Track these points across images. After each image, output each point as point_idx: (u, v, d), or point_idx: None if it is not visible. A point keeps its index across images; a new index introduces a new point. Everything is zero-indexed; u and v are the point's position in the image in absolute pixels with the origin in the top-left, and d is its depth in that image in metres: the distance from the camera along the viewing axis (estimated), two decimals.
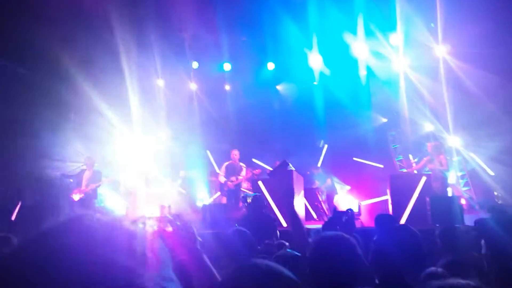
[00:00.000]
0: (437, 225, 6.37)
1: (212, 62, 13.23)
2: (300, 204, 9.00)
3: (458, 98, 10.51)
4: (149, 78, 12.75)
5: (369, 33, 11.61)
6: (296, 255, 2.36)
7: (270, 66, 13.25)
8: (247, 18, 11.75)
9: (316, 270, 1.96)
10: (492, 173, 10.42)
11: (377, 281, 2.43)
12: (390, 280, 2.38)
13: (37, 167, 10.12)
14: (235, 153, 10.37)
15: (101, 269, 0.56)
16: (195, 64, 13.41)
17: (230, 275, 1.07)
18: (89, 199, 9.29)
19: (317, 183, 11.18)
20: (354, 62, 12.19)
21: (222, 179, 10.24)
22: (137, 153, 12.55)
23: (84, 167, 9.58)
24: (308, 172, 11.38)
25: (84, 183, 9.35)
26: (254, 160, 12.48)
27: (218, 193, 11.54)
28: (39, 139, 10.22)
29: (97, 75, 10.77)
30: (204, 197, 11.60)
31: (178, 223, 2.15)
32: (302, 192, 9.41)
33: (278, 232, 5.53)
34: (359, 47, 11.90)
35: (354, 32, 11.61)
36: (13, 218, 8.43)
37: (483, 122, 10.06)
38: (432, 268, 2.83)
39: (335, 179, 11.41)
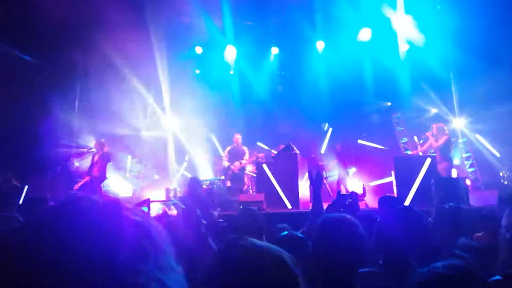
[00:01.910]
0: (445, 206, 6.38)
1: (216, 46, 13.12)
2: (304, 186, 9.05)
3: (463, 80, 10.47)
4: (153, 63, 12.68)
5: (373, 16, 11.51)
6: (299, 236, 2.38)
7: (274, 50, 13.20)
8: (252, 2, 11.62)
9: (320, 251, 1.98)
10: (498, 155, 10.38)
11: (381, 262, 2.45)
12: (393, 260, 2.39)
13: (43, 152, 10.19)
14: (238, 137, 10.44)
15: (92, 266, 0.55)
16: (198, 49, 13.34)
17: (216, 256, 1.05)
18: (96, 182, 9.33)
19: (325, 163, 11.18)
20: (359, 46, 12.10)
21: (226, 163, 10.31)
22: (144, 137, 12.64)
23: (94, 150, 9.67)
24: (313, 155, 11.38)
25: (92, 166, 9.44)
26: (258, 143, 12.47)
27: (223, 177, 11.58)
28: (45, 125, 10.30)
29: (101, 61, 10.76)
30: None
31: (183, 206, 2.17)
32: (307, 175, 9.44)
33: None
34: (364, 31, 11.88)
35: (358, 16, 11.51)
36: (20, 201, 8.55)
37: (488, 101, 10.04)
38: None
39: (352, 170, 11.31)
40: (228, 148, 10.51)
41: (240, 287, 0.95)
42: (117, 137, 11.69)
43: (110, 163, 9.82)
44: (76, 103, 12.17)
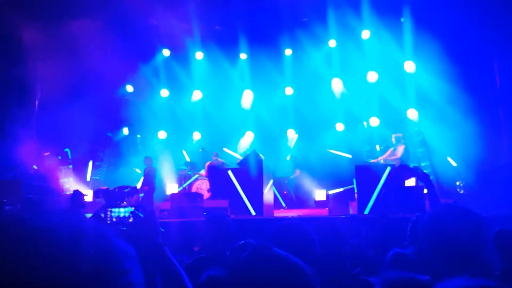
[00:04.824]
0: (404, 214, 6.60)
1: (184, 51, 12.95)
2: (269, 193, 9.11)
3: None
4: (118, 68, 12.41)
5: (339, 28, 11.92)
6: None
7: (243, 56, 13.16)
8: (220, 5, 11.61)
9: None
10: (455, 164, 10.76)
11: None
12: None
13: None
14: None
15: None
16: (166, 52, 13.16)
17: (245, 259, 1.07)
18: (149, 194, 9.90)
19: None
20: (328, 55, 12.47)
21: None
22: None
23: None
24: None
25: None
26: (224, 149, 12.44)
27: (189, 182, 11.46)
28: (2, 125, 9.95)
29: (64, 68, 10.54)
30: (173, 187, 11.44)
31: (141, 214, 2.13)
32: (272, 181, 9.52)
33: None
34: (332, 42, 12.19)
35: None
36: None
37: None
38: (397, 249, 2.92)
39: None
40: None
41: None
42: (79, 139, 11.41)
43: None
44: (36, 102, 11.79)
